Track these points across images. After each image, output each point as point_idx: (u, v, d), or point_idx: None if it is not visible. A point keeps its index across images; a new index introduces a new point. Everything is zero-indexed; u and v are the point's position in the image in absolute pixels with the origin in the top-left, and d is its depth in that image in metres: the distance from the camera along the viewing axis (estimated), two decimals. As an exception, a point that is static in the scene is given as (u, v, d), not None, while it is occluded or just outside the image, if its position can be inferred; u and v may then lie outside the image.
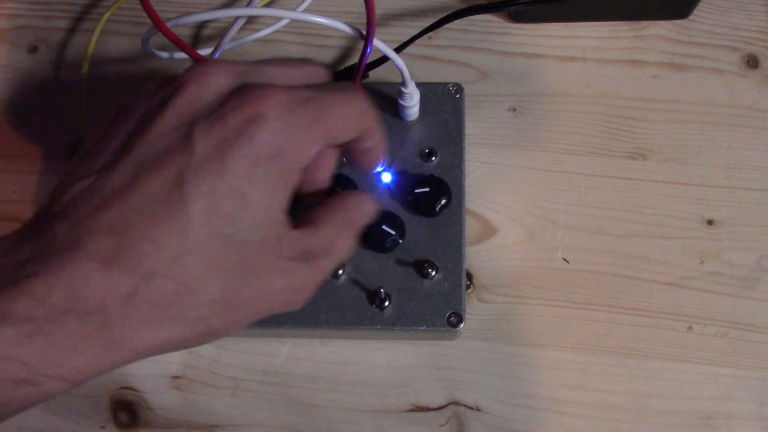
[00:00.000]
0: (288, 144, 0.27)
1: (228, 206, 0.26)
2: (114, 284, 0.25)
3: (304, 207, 0.30)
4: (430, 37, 0.45)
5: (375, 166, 0.33)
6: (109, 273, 0.25)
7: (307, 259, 0.29)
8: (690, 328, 0.40)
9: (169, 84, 0.28)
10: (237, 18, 0.33)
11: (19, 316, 0.24)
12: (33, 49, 0.46)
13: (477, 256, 0.41)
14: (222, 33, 0.45)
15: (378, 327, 0.36)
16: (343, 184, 0.37)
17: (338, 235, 0.30)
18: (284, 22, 0.44)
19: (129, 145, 0.27)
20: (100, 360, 0.26)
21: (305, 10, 0.42)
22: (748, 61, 0.45)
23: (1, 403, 0.25)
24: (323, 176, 0.31)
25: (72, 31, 0.46)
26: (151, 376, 0.40)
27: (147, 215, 0.26)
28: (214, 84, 0.28)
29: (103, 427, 0.40)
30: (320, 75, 0.31)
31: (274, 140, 0.27)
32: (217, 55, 0.34)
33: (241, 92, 0.27)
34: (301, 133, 0.27)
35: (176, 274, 0.26)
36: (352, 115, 0.29)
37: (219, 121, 0.27)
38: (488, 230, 0.42)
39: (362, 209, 0.32)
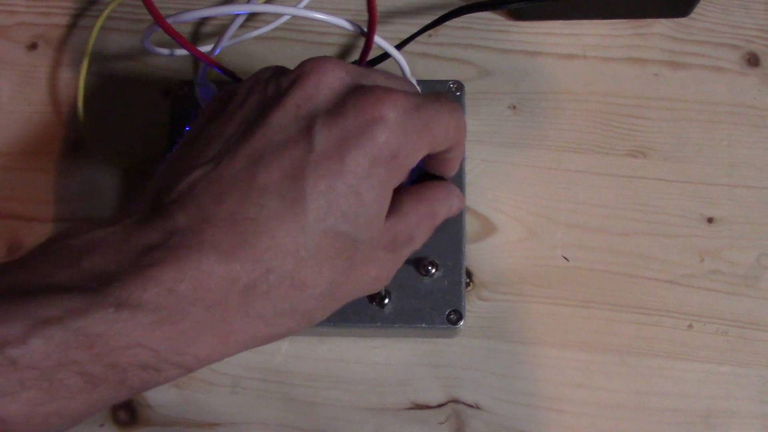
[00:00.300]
0: (403, 147, 0.28)
1: (344, 204, 0.27)
2: (235, 277, 0.26)
3: None
4: (430, 35, 0.45)
5: (452, 174, 0.34)
6: (231, 265, 0.26)
7: (394, 248, 0.30)
8: (690, 326, 0.40)
9: (286, 74, 0.28)
10: (237, 15, 0.33)
11: (149, 304, 0.25)
12: (32, 46, 0.46)
13: (477, 254, 0.41)
14: (222, 30, 0.45)
15: (378, 325, 0.36)
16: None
17: (420, 223, 0.31)
18: (285, 18, 0.44)
19: (246, 134, 0.27)
20: (216, 350, 0.27)
21: (306, 7, 0.41)
22: (748, 60, 0.45)
23: (125, 385, 0.26)
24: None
25: (71, 27, 0.46)
26: (150, 374, 0.40)
27: (266, 209, 0.26)
28: (334, 80, 0.28)
29: (101, 425, 0.40)
30: (415, 87, 0.32)
31: (392, 143, 0.27)
32: (217, 52, 0.34)
33: (362, 92, 0.28)
34: (415, 137, 0.28)
35: (291, 269, 0.26)
36: (452, 126, 0.30)
37: (340, 119, 0.27)
38: (488, 228, 0.42)
39: (448, 202, 0.33)
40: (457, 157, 0.33)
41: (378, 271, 0.30)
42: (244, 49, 0.45)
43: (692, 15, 0.45)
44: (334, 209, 0.27)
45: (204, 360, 0.27)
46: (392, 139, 0.27)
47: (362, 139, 0.27)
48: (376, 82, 0.29)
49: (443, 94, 0.31)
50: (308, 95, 0.27)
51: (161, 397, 0.40)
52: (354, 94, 0.28)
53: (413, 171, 0.37)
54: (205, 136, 0.28)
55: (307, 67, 0.28)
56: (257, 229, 0.26)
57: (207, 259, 0.25)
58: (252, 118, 0.28)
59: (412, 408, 0.39)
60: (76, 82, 0.44)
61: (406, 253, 0.31)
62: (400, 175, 0.29)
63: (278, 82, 0.28)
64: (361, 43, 0.33)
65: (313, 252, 0.27)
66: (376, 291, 0.32)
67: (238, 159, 0.27)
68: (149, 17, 0.31)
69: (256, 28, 0.44)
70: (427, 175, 0.35)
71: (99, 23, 0.45)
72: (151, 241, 0.26)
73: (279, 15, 0.43)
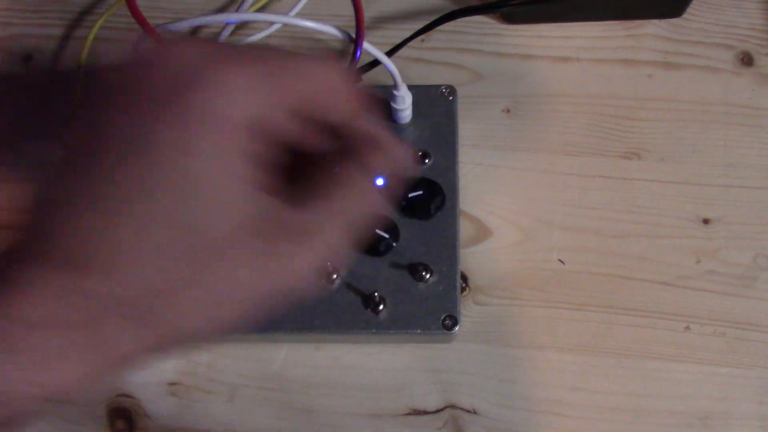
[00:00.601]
0: (254, 113, 0.24)
1: (193, 191, 0.24)
2: (88, 292, 0.23)
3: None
4: (423, 40, 0.45)
5: (399, 163, 0.29)
6: (80, 281, 0.23)
7: (302, 241, 0.26)
8: (687, 327, 0.40)
9: (129, 63, 0.26)
10: (226, 24, 0.33)
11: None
12: (27, 58, 0.46)
13: (472, 258, 0.41)
14: (215, 37, 0.45)
15: (373, 331, 0.36)
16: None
17: (333, 218, 0.27)
18: (276, 26, 0.44)
19: (82, 142, 0.25)
20: (79, 372, 0.24)
21: (297, 14, 0.41)
22: (742, 59, 0.45)
23: None
24: (310, 143, 0.27)
25: (66, 38, 0.46)
26: (148, 383, 0.40)
27: (111, 216, 0.24)
28: (174, 62, 0.25)
29: (100, 435, 0.40)
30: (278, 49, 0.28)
31: (235, 110, 0.24)
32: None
33: (201, 68, 0.24)
34: (264, 98, 0.25)
35: (148, 274, 0.24)
36: (321, 74, 0.26)
37: (174, 99, 0.24)
38: (483, 232, 0.42)
39: (363, 198, 0.28)
40: (377, 133, 0.28)
41: (285, 266, 0.26)
42: (238, 57, 0.45)
43: (685, 15, 0.45)
44: (182, 199, 0.24)
45: (67, 386, 0.24)
46: (233, 106, 0.24)
47: (199, 114, 0.24)
48: (225, 54, 0.25)
49: (316, 55, 0.27)
50: (147, 82, 0.25)
51: (159, 406, 0.40)
52: (199, 67, 0.24)
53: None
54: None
55: (144, 54, 0.25)
56: (104, 237, 0.24)
57: (52, 278, 0.23)
58: (87, 126, 0.25)
59: (409, 414, 0.39)
60: (72, 93, 0.44)
61: (320, 245, 0.27)
62: (259, 142, 0.25)
63: (124, 73, 0.26)
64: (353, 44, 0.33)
65: (164, 252, 0.24)
66: (301, 291, 0.27)
67: (78, 176, 0.24)
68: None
69: (249, 35, 0.44)
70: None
71: (92, 34, 0.45)
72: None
73: (271, 23, 0.43)
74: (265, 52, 0.26)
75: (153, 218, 0.24)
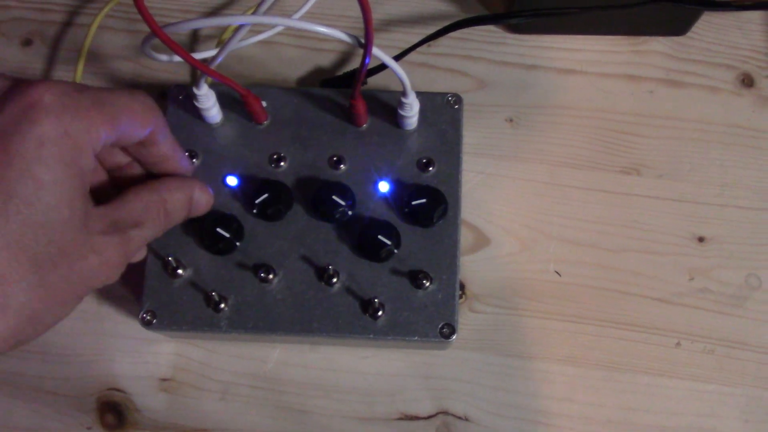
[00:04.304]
0: (71, 126, 0.28)
1: (22, 190, 0.27)
2: None
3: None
4: (429, 45, 0.45)
5: (182, 169, 0.36)
6: None
7: (115, 232, 0.31)
8: (678, 343, 0.41)
9: None
10: (241, 26, 0.33)
11: None
12: (27, 43, 0.46)
13: (470, 266, 0.41)
14: (221, 32, 0.45)
15: (370, 336, 0.36)
16: (340, 192, 0.37)
17: (147, 208, 0.33)
18: (279, 28, 0.44)
19: None
20: None
21: (304, 16, 0.41)
22: (743, 80, 0.45)
23: None
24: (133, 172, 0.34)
25: (67, 25, 0.46)
26: (140, 378, 0.40)
27: None
28: None
29: (89, 428, 0.39)
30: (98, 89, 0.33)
31: (57, 123, 0.28)
32: (220, 59, 0.33)
33: (17, 86, 0.28)
34: (83, 114, 0.29)
35: None
36: (135, 107, 0.31)
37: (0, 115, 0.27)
38: (482, 240, 0.42)
39: (182, 191, 0.34)
40: (174, 151, 0.34)
41: (102, 258, 0.30)
42: (243, 54, 0.44)
43: (689, 34, 0.46)
44: (14, 197, 0.27)
45: None
46: (53, 120, 0.28)
47: (21, 125, 0.27)
48: (39, 79, 0.30)
49: (128, 88, 0.33)
50: None
51: (150, 402, 0.40)
52: (10, 90, 0.28)
53: (409, 190, 0.37)
54: None
55: None
56: None
57: None
58: None
59: (401, 419, 0.40)
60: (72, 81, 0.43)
61: (138, 237, 0.32)
62: (82, 154, 0.29)
63: None
64: (361, 48, 0.33)
65: (3, 243, 0.27)
66: (111, 279, 0.31)
67: None
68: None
69: (256, 33, 0.43)
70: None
71: (96, 22, 0.44)
72: None
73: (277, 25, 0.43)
74: (87, 87, 0.30)
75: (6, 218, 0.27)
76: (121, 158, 0.35)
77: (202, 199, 0.36)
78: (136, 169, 0.35)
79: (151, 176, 0.35)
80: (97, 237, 0.30)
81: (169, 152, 0.34)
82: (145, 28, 0.30)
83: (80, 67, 0.43)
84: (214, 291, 0.36)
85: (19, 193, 0.27)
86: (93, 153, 0.29)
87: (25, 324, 0.28)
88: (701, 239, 0.42)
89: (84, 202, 0.29)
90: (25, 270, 0.27)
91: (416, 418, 0.40)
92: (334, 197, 0.37)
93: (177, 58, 0.37)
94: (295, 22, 0.32)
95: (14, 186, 0.27)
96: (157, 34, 0.30)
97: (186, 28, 0.31)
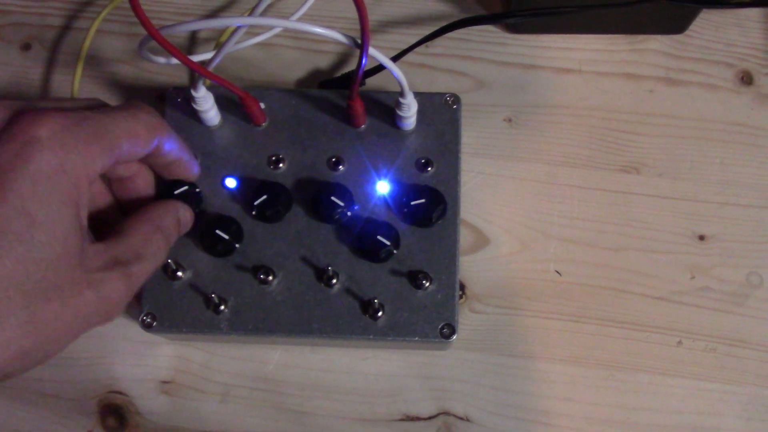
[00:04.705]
0: (68, 161, 0.28)
1: (16, 227, 0.27)
2: None
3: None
4: (427, 46, 0.45)
5: (191, 175, 0.36)
6: None
7: (115, 267, 0.30)
8: (680, 342, 0.41)
9: None
10: (238, 27, 0.33)
11: None
12: (26, 47, 0.46)
13: (469, 267, 0.41)
14: (218, 35, 0.45)
15: (371, 337, 0.36)
16: (339, 193, 0.37)
17: (147, 241, 0.32)
18: (279, 28, 0.44)
19: None
20: None
21: (301, 17, 0.41)
22: (742, 78, 0.45)
23: None
24: (143, 190, 0.35)
25: (66, 29, 0.46)
26: (141, 381, 0.40)
27: None
28: None
29: (90, 431, 0.39)
30: (96, 103, 0.33)
31: (53, 160, 0.28)
32: (217, 61, 0.33)
33: (14, 120, 0.28)
34: (82, 148, 0.29)
35: None
36: (136, 128, 0.31)
37: None
38: (481, 240, 0.42)
39: (172, 215, 0.34)
40: (180, 157, 0.35)
41: (101, 294, 0.30)
42: (241, 56, 0.44)
43: (687, 32, 0.46)
44: (8, 234, 0.27)
45: None
46: (50, 157, 0.28)
47: (18, 162, 0.27)
48: (36, 106, 0.29)
49: (129, 101, 0.32)
50: None
51: (151, 404, 0.40)
52: (9, 123, 0.28)
53: (411, 190, 0.37)
54: None
55: None
56: None
57: None
58: None
59: (402, 419, 0.40)
60: (70, 85, 0.44)
61: (141, 271, 0.32)
62: (78, 189, 0.29)
63: None
64: (358, 49, 0.33)
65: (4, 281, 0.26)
66: (113, 315, 0.31)
67: None
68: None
69: (254, 35, 0.44)
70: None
71: (95, 26, 0.44)
72: None
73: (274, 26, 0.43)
74: (78, 109, 0.30)
75: None
76: (124, 171, 0.35)
77: (187, 217, 0.36)
78: (141, 180, 0.36)
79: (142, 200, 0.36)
80: (95, 273, 0.30)
81: (176, 158, 0.35)
82: (143, 32, 0.30)
83: (79, 70, 0.44)
84: (213, 293, 0.36)
85: (13, 229, 0.27)
86: (90, 183, 0.29)
87: (12, 359, 0.27)
88: (702, 237, 0.42)
89: (80, 238, 0.29)
90: (16, 305, 0.27)
91: (417, 418, 0.40)
92: (333, 198, 0.37)
93: (175, 61, 0.37)
94: (292, 24, 0.32)
95: (8, 223, 0.27)
96: (154, 37, 0.30)
97: (183, 30, 0.31)
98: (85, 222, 0.30)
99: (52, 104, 0.30)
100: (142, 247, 0.32)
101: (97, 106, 0.32)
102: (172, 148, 0.34)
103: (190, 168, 0.36)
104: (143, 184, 0.36)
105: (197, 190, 0.37)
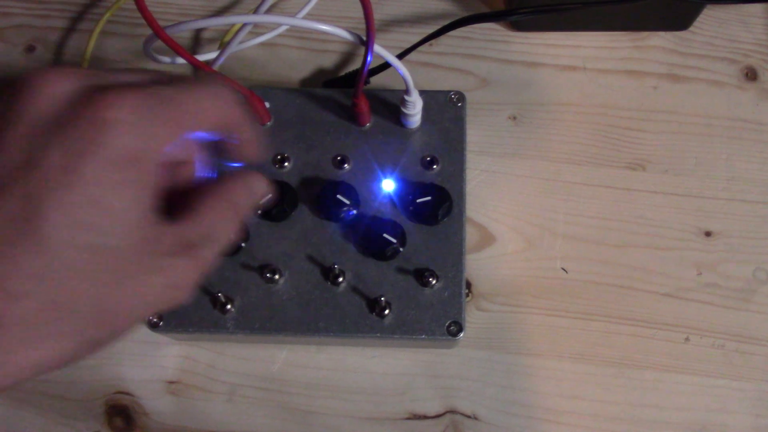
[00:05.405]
0: (143, 145, 0.26)
1: (88, 216, 0.25)
2: None
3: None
4: (431, 44, 0.45)
5: (250, 159, 0.32)
6: None
7: (187, 252, 0.29)
8: (687, 339, 0.40)
9: (9, 90, 0.27)
10: (244, 25, 0.33)
11: None
12: (30, 49, 0.46)
13: (475, 265, 0.41)
14: (222, 35, 0.45)
15: (377, 335, 0.36)
16: (345, 191, 0.37)
17: (220, 220, 0.30)
18: (284, 27, 0.44)
19: None
20: None
21: (306, 16, 0.41)
22: (746, 74, 0.45)
23: None
24: (192, 171, 0.31)
25: (70, 31, 0.46)
26: (147, 381, 0.40)
27: (4, 236, 0.25)
28: (56, 89, 0.26)
29: (97, 432, 0.39)
30: (168, 77, 0.29)
31: (128, 144, 0.26)
32: (221, 60, 0.33)
33: (89, 98, 0.26)
34: (156, 132, 0.26)
35: (43, 291, 0.25)
36: (211, 110, 0.28)
37: (69, 129, 0.25)
38: (487, 238, 0.42)
39: (248, 189, 0.31)
40: (249, 139, 0.31)
41: (171, 280, 0.28)
42: (245, 55, 0.45)
43: (691, 29, 0.46)
44: (78, 222, 0.25)
45: None
46: (128, 141, 0.26)
47: (93, 146, 0.25)
48: (110, 82, 0.27)
49: (204, 76, 0.29)
50: (29, 110, 0.26)
51: (157, 405, 0.40)
52: (81, 101, 0.26)
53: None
54: None
55: (24, 80, 0.27)
56: (9, 260, 0.24)
57: None
58: None
59: (409, 418, 0.39)
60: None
61: (210, 253, 0.30)
62: (151, 173, 0.27)
63: (5, 99, 0.27)
64: (363, 47, 0.33)
65: (64, 270, 0.25)
66: (181, 300, 0.29)
67: None
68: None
69: (258, 35, 0.44)
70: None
71: (98, 27, 0.44)
72: None
73: (280, 25, 0.43)
74: (154, 86, 0.27)
75: (57, 241, 0.25)
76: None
77: (262, 187, 0.32)
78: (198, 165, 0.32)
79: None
80: (165, 259, 0.28)
81: (245, 143, 0.31)
82: (147, 33, 0.30)
83: (83, 72, 0.44)
84: (220, 292, 0.36)
85: (84, 218, 0.25)
86: (159, 166, 0.27)
87: (79, 347, 0.27)
88: (708, 234, 0.42)
89: (151, 223, 0.27)
90: (85, 297, 0.26)
91: (424, 417, 0.39)
92: (338, 197, 0.37)
93: (179, 60, 0.37)
94: (297, 21, 0.32)
95: (79, 210, 0.25)
96: (159, 35, 0.30)
97: (188, 28, 0.31)
98: (155, 205, 0.28)
99: (124, 78, 0.28)
100: (214, 226, 0.30)
101: (171, 80, 0.29)
102: (242, 132, 0.31)
103: (252, 153, 0.32)
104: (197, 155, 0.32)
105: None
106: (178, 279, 0.29)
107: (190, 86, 0.28)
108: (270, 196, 0.32)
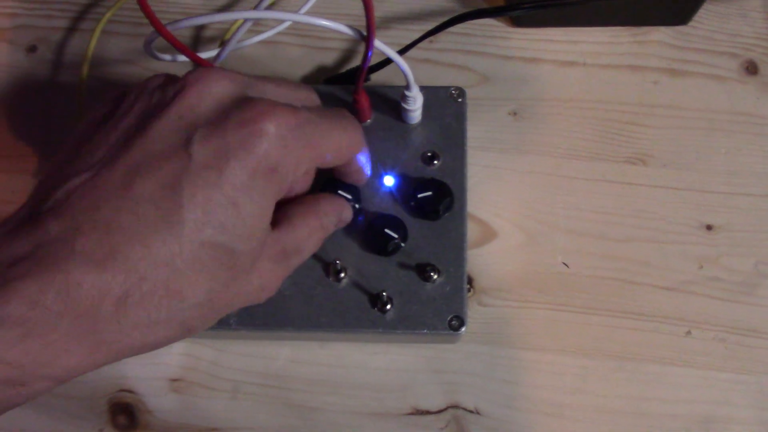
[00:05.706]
0: (283, 161, 0.28)
1: (222, 216, 0.27)
2: (106, 287, 0.25)
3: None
4: (431, 41, 0.45)
5: (361, 182, 0.36)
6: (102, 275, 0.25)
7: (281, 259, 0.31)
8: (689, 332, 0.40)
9: (172, 83, 0.28)
10: (245, 21, 0.33)
11: (12, 318, 0.24)
12: (32, 49, 0.46)
13: (477, 260, 0.41)
14: (223, 33, 0.45)
15: (380, 330, 0.36)
16: (346, 187, 0.37)
17: (310, 235, 0.32)
18: (286, 24, 0.44)
19: (127, 144, 0.27)
20: (87, 360, 0.26)
21: (307, 12, 0.41)
22: (747, 68, 0.45)
23: None
24: (304, 189, 0.33)
25: (71, 30, 0.46)
26: (150, 379, 0.40)
27: (142, 218, 0.26)
28: (217, 91, 0.28)
29: (101, 430, 0.40)
30: (314, 99, 0.33)
31: (272, 156, 0.27)
32: (222, 58, 0.34)
33: (245, 105, 0.28)
34: (297, 152, 0.28)
35: (166, 279, 0.26)
36: (344, 144, 0.31)
37: (220, 131, 0.27)
38: (488, 234, 0.42)
39: (337, 215, 0.34)
40: (359, 170, 0.35)
41: (263, 282, 0.30)
42: (246, 53, 0.45)
43: (692, 23, 0.46)
44: (212, 220, 0.27)
45: (75, 370, 0.26)
46: (272, 153, 0.27)
47: (241, 152, 0.27)
48: (265, 93, 0.29)
49: (340, 111, 0.32)
50: (190, 106, 0.27)
51: (161, 402, 0.40)
52: (237, 106, 0.28)
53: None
54: (89, 142, 0.28)
55: (191, 77, 0.28)
56: (132, 238, 0.26)
57: (76, 269, 0.25)
58: (134, 127, 0.28)
59: (412, 413, 0.39)
60: (76, 86, 0.44)
61: (295, 263, 0.32)
62: (282, 187, 0.29)
63: (164, 91, 0.28)
64: (363, 43, 0.33)
65: (189, 262, 0.27)
66: (261, 301, 0.31)
67: (117, 168, 0.26)
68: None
69: (258, 33, 0.44)
70: (333, 190, 0.36)
71: (100, 27, 0.45)
72: (18, 252, 0.25)
73: (280, 20, 0.43)
74: (304, 108, 0.29)
75: (190, 235, 0.26)
76: None
77: (348, 217, 0.35)
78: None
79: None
80: (265, 263, 0.30)
81: (356, 172, 0.35)
82: (148, 32, 0.30)
83: (85, 72, 0.44)
84: (222, 288, 0.36)
85: (218, 218, 0.27)
86: (290, 183, 0.29)
87: (177, 336, 0.28)
88: (709, 227, 0.42)
89: (268, 230, 0.29)
90: (201, 290, 0.27)
91: (427, 412, 0.39)
92: (340, 192, 0.37)
93: (181, 58, 0.37)
94: (298, 17, 0.32)
95: (216, 209, 0.27)
96: (161, 32, 0.30)
97: (190, 25, 0.31)
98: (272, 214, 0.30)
99: (273, 90, 0.30)
100: (305, 240, 0.32)
101: (313, 106, 0.32)
102: (361, 161, 0.34)
103: (363, 178, 0.36)
104: (308, 181, 0.35)
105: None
106: (269, 282, 0.31)
107: (330, 116, 0.31)
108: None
